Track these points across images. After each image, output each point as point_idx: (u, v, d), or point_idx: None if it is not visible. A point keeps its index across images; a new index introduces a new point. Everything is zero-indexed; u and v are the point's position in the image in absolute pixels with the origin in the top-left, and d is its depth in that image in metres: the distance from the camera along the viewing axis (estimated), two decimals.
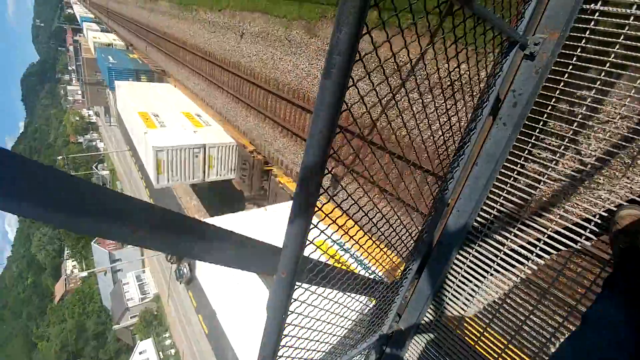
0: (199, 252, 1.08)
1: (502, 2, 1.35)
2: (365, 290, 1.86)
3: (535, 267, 1.79)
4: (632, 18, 1.44)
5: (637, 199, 1.50)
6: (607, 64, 1.52)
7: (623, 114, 1.53)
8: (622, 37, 1.47)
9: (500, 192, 1.86)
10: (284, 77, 11.25)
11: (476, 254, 2.00)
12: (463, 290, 2.09)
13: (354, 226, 1.41)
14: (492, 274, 1.96)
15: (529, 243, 1.80)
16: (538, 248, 1.76)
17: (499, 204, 1.87)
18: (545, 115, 1.67)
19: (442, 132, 1.52)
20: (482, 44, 1.38)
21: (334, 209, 1.34)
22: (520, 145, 1.75)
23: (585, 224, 1.62)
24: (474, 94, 1.60)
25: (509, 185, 1.83)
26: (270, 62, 11.87)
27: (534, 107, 1.67)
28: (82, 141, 64.22)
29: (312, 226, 1.20)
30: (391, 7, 1.01)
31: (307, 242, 1.26)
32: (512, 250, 1.86)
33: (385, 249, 1.73)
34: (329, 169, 1.16)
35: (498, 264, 1.92)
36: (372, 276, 1.94)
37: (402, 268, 2.15)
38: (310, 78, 10.16)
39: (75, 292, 42.23)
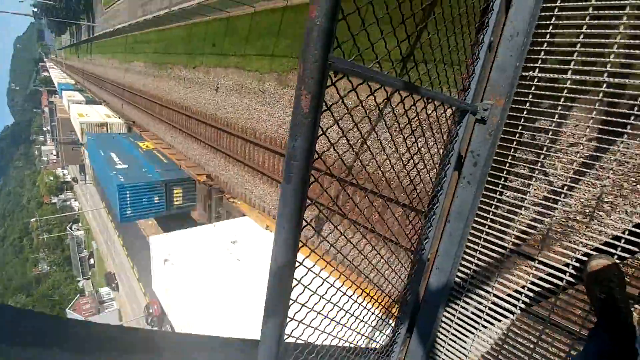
0: None
1: (447, 80, 1.47)
2: None
3: (522, 318, 1.77)
4: (569, 82, 1.59)
5: (602, 247, 1.56)
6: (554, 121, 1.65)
7: (574, 168, 1.63)
8: (562, 100, 1.61)
9: (476, 247, 1.88)
10: (260, 126, 11.52)
11: (462, 310, 1.97)
12: (455, 348, 2.03)
13: (336, 293, 1.37)
14: (480, 329, 1.92)
15: (511, 295, 1.80)
16: (521, 301, 1.76)
17: (476, 258, 1.89)
18: (505, 172, 1.75)
19: (410, 199, 1.56)
20: (436, 116, 1.47)
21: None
22: (487, 201, 1.81)
23: (560, 275, 1.64)
24: (436, 160, 1.67)
25: (482, 239, 1.86)
26: (246, 113, 12.19)
27: (494, 165, 1.76)
28: (56, 201, 61.74)
29: (288, 319, 1.15)
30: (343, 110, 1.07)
31: (286, 336, 1.20)
32: (496, 304, 1.84)
33: (371, 313, 1.67)
34: (300, 261, 1.14)
35: (485, 319, 1.89)
36: (360, 344, 1.85)
37: (389, 332, 2.07)
38: (285, 126, 10.45)
39: None
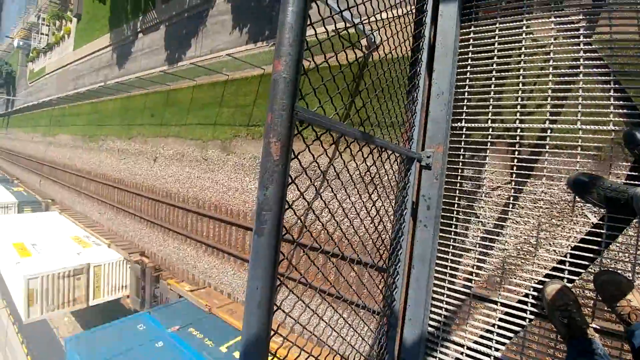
0: None
1: (394, 130, 1.61)
2: None
3: (499, 355, 1.74)
4: (490, 130, 1.85)
5: (552, 272, 1.67)
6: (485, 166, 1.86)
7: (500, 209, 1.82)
8: (489, 137, 1.85)
9: (442, 291, 1.88)
10: (203, 194, 11.06)
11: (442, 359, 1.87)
12: None
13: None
14: None
15: (485, 337, 1.78)
16: (494, 341, 1.75)
17: (444, 302, 1.88)
18: (455, 212, 1.87)
19: (377, 248, 1.54)
20: (389, 164, 1.56)
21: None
22: (444, 242, 1.88)
23: (523, 306, 1.70)
24: (394, 204, 1.73)
25: (447, 281, 1.88)
26: (188, 182, 11.72)
27: (444, 207, 1.88)
28: None
29: None
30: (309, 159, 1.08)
31: None
32: (473, 349, 1.80)
33: None
34: (275, 330, 1.00)
35: None
36: None
37: None
38: (231, 192, 10.20)
39: None
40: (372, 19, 1.47)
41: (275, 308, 0.92)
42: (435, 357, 1.86)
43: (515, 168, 1.80)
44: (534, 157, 1.78)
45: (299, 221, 1.05)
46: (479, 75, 1.90)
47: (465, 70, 1.92)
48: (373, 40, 6.91)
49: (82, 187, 17.71)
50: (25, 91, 34.69)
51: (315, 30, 0.98)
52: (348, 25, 1.22)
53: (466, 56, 1.93)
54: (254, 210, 0.82)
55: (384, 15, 1.55)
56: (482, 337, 1.78)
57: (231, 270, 9.81)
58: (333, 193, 1.15)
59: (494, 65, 1.87)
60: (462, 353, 1.80)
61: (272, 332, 0.95)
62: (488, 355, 1.75)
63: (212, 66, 11.19)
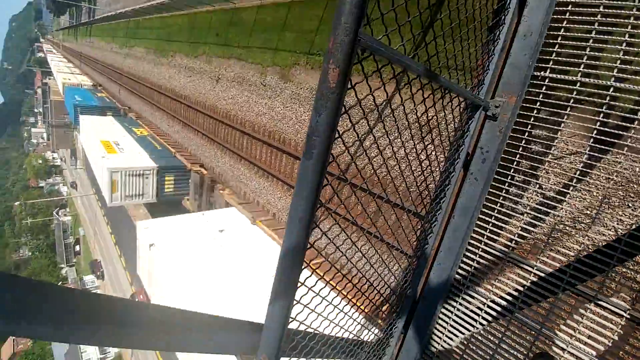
0: (168, 344, 0.97)
1: (464, 72, 1.47)
2: (351, 354, 1.76)
3: (519, 320, 1.78)
4: (578, 84, 1.61)
5: (604, 249, 1.57)
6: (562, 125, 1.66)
7: (571, 164, 1.65)
8: (571, 101, 1.62)
9: (479, 244, 1.89)
10: (259, 120, 11.45)
11: (461, 307, 1.97)
12: (451, 345, 2.03)
13: (341, 280, 1.35)
14: (478, 328, 1.93)
15: (511, 295, 1.81)
16: (520, 300, 1.77)
17: (478, 256, 1.90)
18: (512, 170, 1.76)
19: (419, 190, 1.55)
20: (449, 109, 1.47)
21: (320, 263, 1.30)
22: (493, 198, 1.82)
23: (561, 275, 1.66)
24: (446, 151, 1.67)
25: (485, 237, 1.87)
26: (246, 105, 12.11)
27: (502, 163, 1.77)
28: (43, 185, 60.52)
29: (295, 302, 1.13)
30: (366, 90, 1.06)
31: (290, 320, 1.19)
32: (495, 302, 1.85)
33: (371, 304, 1.67)
34: (311, 243, 1.12)
35: (483, 318, 1.90)
36: (357, 336, 1.85)
37: (386, 325, 2.07)
38: (285, 120, 10.40)
39: (23, 354, 37.20)
40: None
41: (314, 225, 1.02)
42: (457, 302, 1.96)
43: (597, 134, 1.58)
44: (623, 125, 1.54)
45: (346, 152, 1.09)
46: (580, 18, 1.58)
47: (565, 9, 1.61)
48: None
49: (154, 100, 19.26)
50: (105, 1, 36.33)
51: None
52: None
53: None
54: (306, 133, 0.87)
55: None
56: (508, 294, 1.81)
57: (278, 193, 10.54)
58: (385, 130, 1.14)
59: (601, 8, 1.53)
60: (484, 304, 1.87)
61: (309, 245, 1.07)
62: (510, 312, 1.79)
63: None
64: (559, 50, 1.62)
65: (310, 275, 1.24)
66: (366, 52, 0.93)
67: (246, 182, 12.07)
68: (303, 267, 1.06)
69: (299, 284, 1.10)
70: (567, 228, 1.73)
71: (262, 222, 8.98)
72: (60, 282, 39.65)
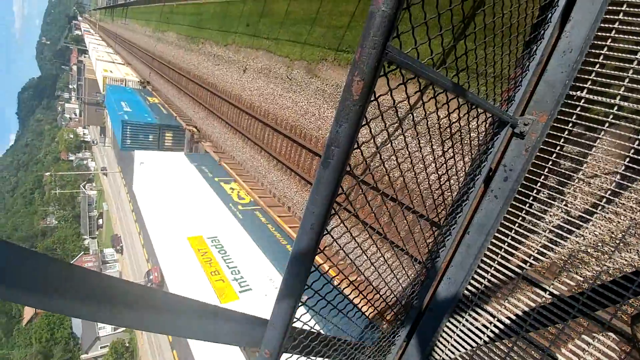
0: (158, 325, 1.01)
1: (494, 88, 1.43)
2: (351, 357, 1.77)
3: (525, 343, 1.74)
4: (615, 108, 1.53)
5: (622, 281, 1.50)
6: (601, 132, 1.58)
7: (595, 198, 1.57)
8: (606, 125, 1.55)
9: (492, 263, 1.84)
10: (282, 113, 11.52)
11: (467, 323, 1.94)
12: (452, 359, 2.01)
13: (348, 286, 1.36)
14: (483, 346, 1.89)
15: (519, 317, 1.76)
16: (528, 323, 1.72)
17: (489, 274, 1.85)
18: (535, 192, 1.70)
19: (435, 205, 1.53)
20: (475, 123, 1.43)
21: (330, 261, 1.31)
22: (512, 218, 1.77)
23: (573, 303, 1.60)
24: (467, 166, 1.64)
25: (499, 256, 1.82)
26: (271, 98, 12.21)
27: (524, 183, 1.71)
28: (73, 159, 63.45)
29: (300, 304, 1.16)
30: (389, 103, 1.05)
31: (295, 320, 1.21)
32: (502, 322, 1.81)
33: (375, 310, 1.67)
34: (321, 249, 1.13)
35: (489, 335, 1.86)
36: (360, 339, 1.86)
37: (390, 332, 2.07)
38: (308, 116, 10.42)
39: (44, 315, 39.59)
40: None
41: (325, 232, 1.03)
42: (463, 317, 1.93)
43: (631, 158, 1.51)
44: None
45: (364, 161, 1.08)
46: (627, 37, 1.49)
47: (611, 26, 1.52)
48: None
49: (182, 85, 19.74)
50: None
51: None
52: None
53: (619, 8, 1.51)
54: (326, 142, 0.88)
55: None
56: (517, 314, 1.76)
57: (295, 187, 10.61)
58: (405, 143, 1.13)
59: None
60: (490, 322, 1.83)
61: (319, 250, 1.08)
62: (517, 332, 1.75)
63: None
64: (599, 69, 1.54)
65: (318, 279, 1.26)
66: (393, 65, 0.92)
67: (264, 173, 12.22)
68: (311, 271, 1.08)
69: (306, 287, 1.12)
70: (588, 252, 1.67)
71: (227, 164, 12.79)
72: (81, 252, 41.74)
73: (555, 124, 1.64)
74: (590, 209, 1.70)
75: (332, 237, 1.10)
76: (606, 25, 1.53)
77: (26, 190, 66.67)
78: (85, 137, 65.46)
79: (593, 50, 1.56)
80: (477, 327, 1.91)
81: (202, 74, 17.41)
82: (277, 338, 1.15)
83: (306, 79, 10.83)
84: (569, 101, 1.61)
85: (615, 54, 1.51)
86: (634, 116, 1.50)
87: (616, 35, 1.51)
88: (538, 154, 1.68)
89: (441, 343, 2.06)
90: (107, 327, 29.17)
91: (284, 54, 12.15)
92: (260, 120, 12.30)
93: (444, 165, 1.41)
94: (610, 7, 1.50)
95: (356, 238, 1.24)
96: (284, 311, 1.09)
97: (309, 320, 1.30)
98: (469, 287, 1.92)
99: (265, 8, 13.51)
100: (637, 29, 1.47)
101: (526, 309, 1.73)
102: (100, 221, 46.10)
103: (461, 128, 1.36)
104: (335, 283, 1.43)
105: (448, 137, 1.30)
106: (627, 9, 1.48)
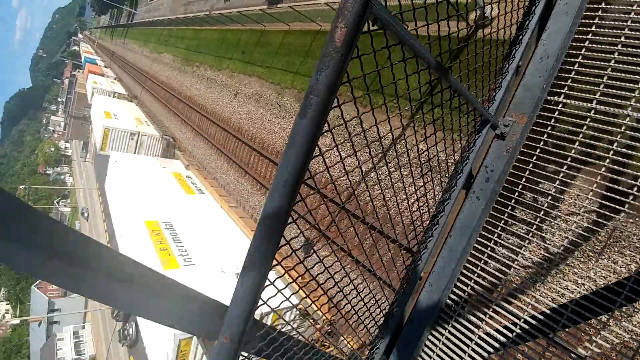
0: (122, 299, 0.88)
1: (475, 83, 1.45)
2: None
3: (512, 354, 1.63)
4: (592, 111, 1.57)
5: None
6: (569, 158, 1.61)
7: (586, 207, 1.57)
8: (584, 128, 1.58)
9: (475, 269, 1.78)
10: (270, 138, 11.59)
11: (449, 336, 1.82)
12: None
13: (317, 289, 1.25)
14: (467, 359, 1.77)
15: (505, 328, 1.67)
16: (514, 334, 1.63)
17: (473, 281, 1.78)
18: (517, 194, 1.69)
19: (417, 199, 1.48)
20: (457, 117, 1.43)
21: (297, 267, 1.20)
22: (494, 222, 1.73)
23: (557, 317, 1.53)
24: (449, 164, 1.62)
25: (482, 261, 1.76)
26: (259, 122, 12.33)
27: (506, 185, 1.70)
28: (50, 173, 61.10)
29: (268, 283, 1.04)
30: (374, 67, 1.03)
31: (261, 302, 1.08)
32: (488, 334, 1.71)
33: (352, 320, 1.54)
34: (298, 227, 1.05)
35: (473, 349, 1.74)
36: (336, 350, 1.70)
37: (369, 346, 1.91)
38: None
39: (1, 341, 35.75)
40: None
41: (297, 197, 0.95)
42: (445, 329, 1.81)
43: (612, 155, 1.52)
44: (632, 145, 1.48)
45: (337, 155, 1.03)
46: (599, 47, 1.57)
47: (585, 37, 1.61)
48: (484, 13, 6.10)
49: (171, 105, 19.81)
50: (145, 7, 38.68)
51: None
52: None
53: (591, 21, 1.61)
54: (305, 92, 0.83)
55: None
56: (503, 325, 1.67)
57: None
58: (378, 133, 1.10)
59: (619, 46, 1.53)
60: (474, 333, 1.72)
61: (285, 242, 0.99)
62: (504, 345, 1.65)
63: (308, 13, 11.11)
64: (575, 76, 1.61)
65: (285, 287, 1.15)
66: (377, 23, 0.91)
67: (247, 197, 12.01)
68: (282, 244, 0.98)
69: (274, 262, 1.01)
70: (570, 261, 1.63)
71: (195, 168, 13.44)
72: None
73: (534, 127, 1.67)
74: (575, 210, 1.68)
75: (307, 207, 1.02)
76: (581, 36, 1.62)
77: None
78: (66, 152, 63.59)
79: (569, 59, 1.64)
80: (460, 340, 1.79)
81: (193, 95, 17.58)
82: (239, 321, 1.01)
83: (296, 106, 11.07)
84: (548, 105, 1.66)
85: (590, 61, 1.59)
86: (605, 121, 1.55)
87: (590, 45, 1.59)
88: (519, 156, 1.69)
89: (423, 358, 1.92)
90: (68, 357, 26.52)
91: (275, 81, 12.47)
92: (247, 144, 12.31)
93: (426, 152, 1.39)
94: (584, 20, 1.60)
95: (336, 240, 1.17)
96: (249, 287, 0.97)
97: (278, 307, 1.16)
98: (452, 296, 1.83)
99: (262, 38, 14.07)
100: (610, 39, 1.56)
101: (513, 317, 1.64)
102: None
103: (443, 115, 1.35)
104: (301, 292, 1.31)
105: (430, 122, 1.28)
106: (599, 21, 1.58)
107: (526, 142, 1.67)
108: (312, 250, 1.13)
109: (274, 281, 1.06)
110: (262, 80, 13.36)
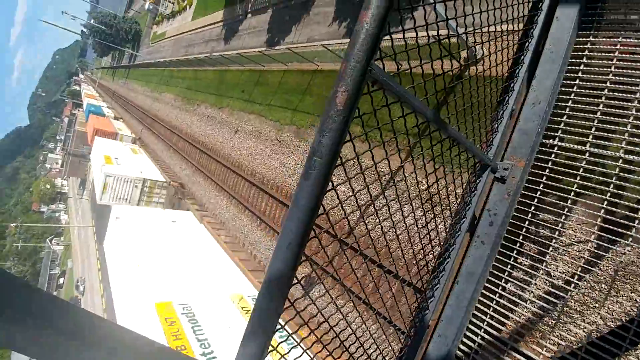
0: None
1: (472, 129, 1.48)
2: None
3: None
4: (587, 154, 1.59)
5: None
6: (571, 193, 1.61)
7: (583, 238, 1.55)
8: (580, 170, 1.59)
9: (484, 317, 1.70)
10: (270, 173, 11.67)
11: None
12: None
13: (322, 350, 1.18)
14: None
15: None
16: None
17: (482, 330, 1.69)
18: (521, 237, 1.67)
19: (422, 245, 1.45)
20: (457, 163, 1.45)
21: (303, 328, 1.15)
22: (500, 266, 1.69)
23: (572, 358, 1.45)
24: (452, 209, 1.61)
25: (491, 309, 1.69)
26: (259, 158, 12.48)
27: (510, 228, 1.68)
28: (44, 210, 60.46)
29: (270, 349, 0.98)
30: (373, 124, 1.05)
31: None
32: None
33: None
34: (298, 279, 1.01)
35: None
36: None
37: None
38: (295, 176, 10.57)
39: None
40: (479, 31, 1.38)
41: (302, 256, 0.92)
42: None
43: (609, 209, 1.52)
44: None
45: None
46: (588, 92, 1.64)
47: (572, 82, 1.68)
48: (474, 53, 6.45)
49: (172, 142, 20.15)
50: (146, 49, 40.60)
51: (417, 34, 0.97)
52: (452, 34, 1.17)
53: (577, 67, 1.68)
54: (308, 153, 0.84)
55: (492, 29, 1.43)
56: None
57: None
58: (379, 183, 1.10)
59: (606, 91, 1.59)
60: None
61: (295, 281, 0.96)
62: None
63: (305, 54, 11.67)
64: (567, 120, 1.65)
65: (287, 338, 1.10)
66: (377, 84, 0.94)
67: (246, 233, 11.84)
68: (286, 306, 0.94)
69: (279, 325, 0.96)
70: (578, 308, 1.56)
71: (209, 223, 12.21)
72: None
73: (533, 170, 1.69)
74: (582, 252, 1.65)
75: (308, 258, 0.99)
76: (569, 82, 1.69)
77: None
78: (62, 189, 63.42)
79: (560, 103, 1.69)
80: None
81: (193, 133, 17.94)
82: None
83: (295, 142, 11.27)
84: (544, 148, 1.69)
85: (580, 105, 1.64)
86: (603, 166, 1.56)
87: (579, 90, 1.66)
88: (521, 199, 1.68)
89: None
90: None
91: (275, 118, 12.80)
92: (247, 180, 12.36)
93: (431, 209, 1.38)
94: (570, 67, 1.68)
95: (328, 302, 1.13)
96: (252, 352, 0.91)
97: None
98: (462, 346, 1.74)
99: (261, 78, 14.67)
100: (597, 84, 1.63)
101: None
102: (61, 280, 42.02)
103: (444, 164, 1.37)
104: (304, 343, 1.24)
105: (431, 172, 1.29)
106: (585, 67, 1.66)
107: (526, 185, 1.68)
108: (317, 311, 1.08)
109: (277, 346, 1.00)
110: (261, 117, 13.71)
